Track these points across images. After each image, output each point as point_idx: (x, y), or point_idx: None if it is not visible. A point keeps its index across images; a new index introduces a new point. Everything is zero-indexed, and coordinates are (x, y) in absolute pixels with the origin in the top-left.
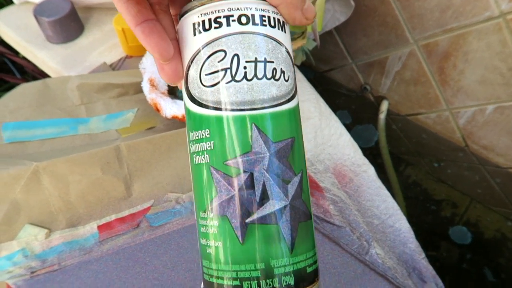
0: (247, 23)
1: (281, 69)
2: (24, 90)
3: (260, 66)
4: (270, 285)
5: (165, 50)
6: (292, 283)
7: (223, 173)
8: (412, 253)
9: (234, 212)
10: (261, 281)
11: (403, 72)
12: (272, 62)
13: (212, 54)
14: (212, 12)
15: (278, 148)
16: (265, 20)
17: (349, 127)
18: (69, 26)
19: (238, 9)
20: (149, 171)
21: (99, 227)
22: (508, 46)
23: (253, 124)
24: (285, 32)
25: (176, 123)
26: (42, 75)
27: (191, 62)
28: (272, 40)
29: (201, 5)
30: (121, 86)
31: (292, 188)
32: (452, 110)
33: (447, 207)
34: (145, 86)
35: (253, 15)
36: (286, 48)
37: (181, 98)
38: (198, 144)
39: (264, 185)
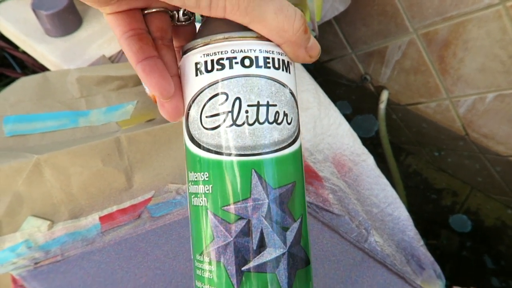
0: (250, 65)
1: (284, 112)
2: (24, 84)
3: (263, 110)
4: None
5: (165, 89)
6: None
7: (220, 218)
8: (411, 241)
9: (230, 258)
10: None
11: (403, 61)
12: (275, 105)
13: (214, 97)
14: (215, 53)
15: (277, 194)
16: (269, 62)
17: (349, 118)
18: (67, 19)
19: (241, 51)
20: (149, 163)
21: (101, 218)
22: (508, 33)
23: (252, 170)
24: (289, 72)
25: None
26: (42, 69)
27: (192, 102)
28: (275, 83)
29: (204, 44)
30: (120, 79)
31: (291, 235)
32: (452, 99)
33: (448, 196)
34: None
35: (256, 57)
36: (290, 89)
37: None
38: (197, 185)
39: (262, 233)
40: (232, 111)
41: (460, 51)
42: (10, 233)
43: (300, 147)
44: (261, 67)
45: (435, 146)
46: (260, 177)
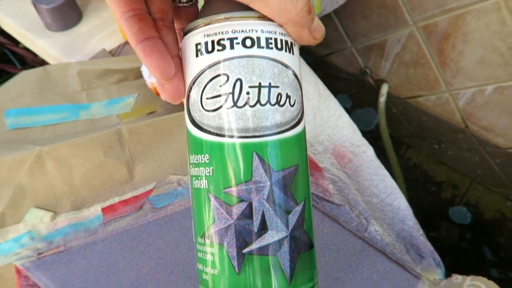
0: (252, 46)
1: (287, 94)
2: (25, 78)
3: (264, 91)
4: None
5: (166, 70)
6: None
7: (221, 200)
8: (411, 230)
9: (231, 241)
10: None
11: (403, 54)
12: (277, 87)
13: (214, 78)
14: (216, 34)
15: (280, 177)
16: (271, 43)
17: (349, 111)
18: (67, 13)
19: (243, 31)
20: (150, 154)
21: (103, 209)
22: (507, 25)
23: (254, 152)
24: (293, 53)
25: (176, 107)
26: (42, 65)
27: (193, 84)
28: (278, 64)
29: (205, 25)
30: (121, 72)
31: (293, 218)
32: (452, 91)
33: (448, 189)
34: (145, 71)
35: (258, 38)
36: (293, 71)
37: None
38: (197, 168)
39: (263, 215)
40: (233, 93)
41: (460, 43)
42: (13, 224)
43: (304, 129)
44: (263, 47)
45: (435, 139)
46: (261, 160)
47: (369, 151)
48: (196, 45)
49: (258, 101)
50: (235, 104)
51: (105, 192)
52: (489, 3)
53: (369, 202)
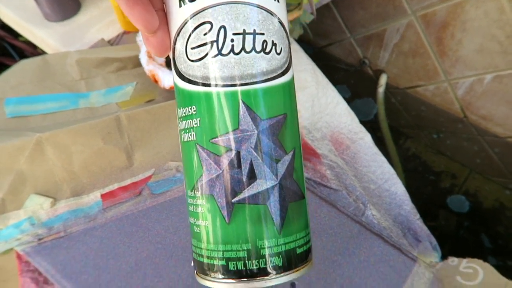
0: None
1: (273, 41)
2: (24, 66)
3: (249, 38)
4: (256, 265)
5: (149, 23)
6: (280, 264)
7: (209, 151)
8: (408, 215)
9: (221, 191)
10: (247, 262)
11: (402, 44)
12: (263, 34)
13: (198, 27)
14: None
15: (267, 126)
16: None
17: (348, 102)
18: (66, 3)
19: None
20: (149, 141)
21: (102, 195)
22: (505, 13)
23: (240, 100)
24: (278, 1)
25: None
26: None
27: (178, 35)
28: (262, 10)
29: None
30: (119, 60)
31: (282, 167)
32: (451, 81)
33: (447, 178)
34: (143, 58)
35: None
36: (279, 18)
37: None
38: (185, 121)
39: (251, 164)
40: (217, 41)
41: (458, 32)
42: (14, 211)
43: (292, 79)
44: None
45: (434, 129)
46: (248, 108)
47: (367, 137)
48: None
49: (243, 48)
50: (219, 52)
51: (105, 178)
52: None
53: (367, 188)
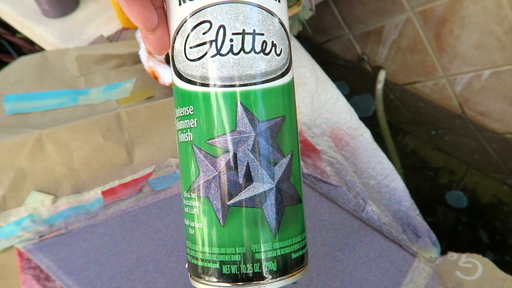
0: None
1: (272, 42)
2: (23, 63)
3: (248, 38)
4: (251, 270)
5: (148, 20)
6: (275, 269)
7: (205, 152)
8: (407, 210)
9: (216, 193)
10: (241, 266)
11: (400, 40)
12: (262, 34)
13: (197, 26)
14: None
15: (265, 128)
16: None
17: (346, 98)
18: (64, 0)
19: None
20: (149, 138)
21: (103, 192)
22: (504, 8)
23: (238, 101)
24: (279, 1)
25: None
26: None
27: (177, 34)
28: (263, 11)
29: None
30: (119, 57)
31: (279, 170)
32: (449, 77)
33: (445, 174)
34: (143, 55)
35: None
36: (279, 19)
37: None
38: (183, 121)
39: (248, 167)
40: (216, 40)
41: (457, 28)
42: (15, 208)
43: (292, 81)
44: None
45: (432, 125)
46: (246, 109)
47: (366, 134)
48: None
49: (242, 48)
50: (218, 52)
51: (105, 175)
52: None
53: (366, 183)
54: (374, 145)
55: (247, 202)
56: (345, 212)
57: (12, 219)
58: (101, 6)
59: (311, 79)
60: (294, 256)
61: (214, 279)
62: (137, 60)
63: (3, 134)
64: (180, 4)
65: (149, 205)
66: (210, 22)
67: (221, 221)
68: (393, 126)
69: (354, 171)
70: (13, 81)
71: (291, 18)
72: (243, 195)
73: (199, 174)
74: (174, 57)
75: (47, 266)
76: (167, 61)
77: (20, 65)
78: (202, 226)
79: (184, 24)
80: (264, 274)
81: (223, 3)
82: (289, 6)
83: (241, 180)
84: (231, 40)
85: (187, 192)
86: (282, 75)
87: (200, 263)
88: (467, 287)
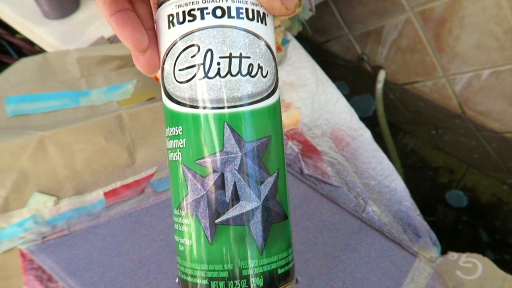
0: (222, 16)
1: (259, 64)
2: (24, 65)
3: (235, 62)
4: (238, 286)
5: (139, 41)
6: (261, 285)
7: (194, 172)
8: (408, 211)
9: (204, 211)
10: (228, 282)
11: (400, 40)
12: (249, 57)
13: (186, 49)
14: (187, 4)
15: (251, 148)
16: (242, 13)
17: (346, 98)
18: (65, 1)
19: (213, 1)
20: (151, 139)
21: (105, 193)
22: (503, 8)
23: (225, 123)
24: (265, 24)
25: None
26: None
27: (166, 56)
28: (249, 34)
29: None
30: (120, 58)
31: (265, 189)
32: (449, 77)
33: (445, 174)
34: None
35: (229, 7)
36: (266, 42)
37: None
38: (172, 141)
39: (235, 186)
40: (204, 63)
41: (456, 28)
42: (17, 209)
43: (278, 101)
44: (233, 17)
45: (432, 125)
46: (233, 130)
47: (367, 134)
48: (169, 16)
49: (229, 71)
50: (206, 75)
51: (107, 176)
52: None
53: (367, 184)
54: (374, 146)
55: (234, 220)
56: (346, 212)
57: (15, 220)
58: None
59: (311, 80)
60: (280, 271)
61: None
62: None
63: (5, 136)
64: (169, 27)
65: (151, 206)
66: (198, 46)
67: (209, 239)
68: (393, 126)
69: (354, 172)
70: (15, 83)
71: (291, 19)
72: (230, 213)
73: (188, 192)
74: (164, 78)
75: (50, 267)
76: None
77: (21, 66)
78: (191, 243)
79: (174, 47)
80: None
81: (210, 28)
82: None
83: (228, 199)
84: (218, 64)
85: (177, 209)
86: (268, 96)
87: (189, 278)
88: (467, 286)
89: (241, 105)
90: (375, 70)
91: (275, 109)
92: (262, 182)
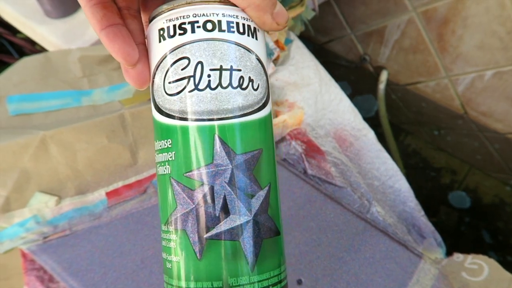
0: (213, 29)
1: (250, 77)
2: (26, 64)
3: (225, 74)
4: None
5: (129, 55)
6: None
7: (183, 185)
8: (412, 211)
9: (193, 226)
10: None
11: (402, 40)
12: (239, 70)
13: (176, 62)
14: (178, 18)
15: (242, 161)
16: (232, 27)
17: (349, 98)
18: (67, 0)
19: (204, 15)
20: (153, 138)
21: (107, 193)
22: (506, 9)
23: (215, 135)
24: (256, 39)
25: None
26: None
27: (157, 69)
28: (240, 48)
29: (168, 10)
30: None
31: (256, 202)
32: (451, 77)
33: (447, 174)
34: None
35: (219, 21)
36: (256, 55)
37: None
38: (161, 154)
39: (224, 199)
40: (194, 76)
41: (459, 28)
42: (19, 209)
43: (270, 114)
44: (224, 31)
45: (435, 125)
46: (223, 142)
47: (370, 134)
48: (159, 30)
49: (220, 83)
50: (196, 87)
51: (109, 176)
52: None
53: (371, 184)
54: (378, 146)
55: (224, 235)
56: (350, 213)
57: (16, 220)
58: None
59: (314, 80)
60: None
61: None
62: None
63: (7, 135)
64: (160, 41)
65: (153, 206)
66: (188, 58)
67: (197, 255)
68: (395, 126)
69: (358, 172)
70: (16, 82)
71: (294, 19)
72: (220, 228)
73: (176, 207)
74: (154, 91)
75: (51, 267)
76: None
77: (23, 66)
78: (178, 259)
79: (164, 60)
80: None
81: (201, 41)
82: (292, 7)
83: (218, 212)
84: (209, 76)
85: (165, 225)
86: (259, 109)
87: None
88: None
89: (231, 117)
90: (377, 70)
91: (266, 123)
92: (253, 196)
